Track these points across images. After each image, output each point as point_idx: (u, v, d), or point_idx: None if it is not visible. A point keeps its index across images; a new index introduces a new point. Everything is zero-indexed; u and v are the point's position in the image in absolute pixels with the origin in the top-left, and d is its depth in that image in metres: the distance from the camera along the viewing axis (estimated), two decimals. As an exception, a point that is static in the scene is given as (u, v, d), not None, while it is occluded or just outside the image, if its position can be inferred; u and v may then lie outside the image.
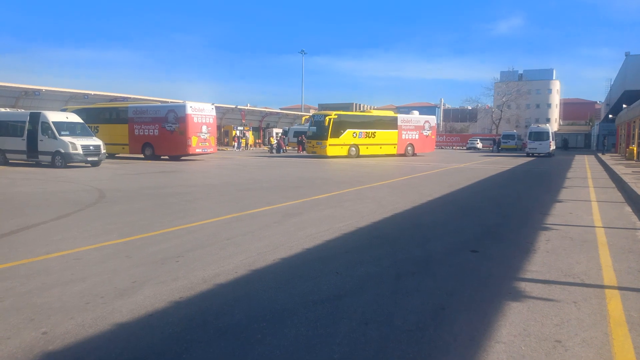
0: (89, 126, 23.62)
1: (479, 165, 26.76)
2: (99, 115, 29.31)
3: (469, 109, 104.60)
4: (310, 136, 33.11)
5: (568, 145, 67.21)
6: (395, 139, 35.50)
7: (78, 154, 20.37)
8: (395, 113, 39.37)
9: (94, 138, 21.98)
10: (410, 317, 4.02)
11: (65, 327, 3.73)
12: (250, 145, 52.16)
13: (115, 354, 3.33)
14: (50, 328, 3.70)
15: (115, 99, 36.89)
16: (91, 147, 20.90)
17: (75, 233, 7.25)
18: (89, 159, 20.87)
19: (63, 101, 36.03)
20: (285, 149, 42.96)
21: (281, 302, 4.33)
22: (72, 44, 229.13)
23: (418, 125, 37.27)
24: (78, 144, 20.41)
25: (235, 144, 46.11)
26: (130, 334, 3.64)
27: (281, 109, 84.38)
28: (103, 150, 21.62)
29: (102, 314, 3.99)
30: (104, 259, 5.74)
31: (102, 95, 37.36)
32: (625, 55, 45.68)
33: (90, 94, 36.37)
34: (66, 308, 4.12)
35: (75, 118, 22.46)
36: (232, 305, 4.24)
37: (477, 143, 63.34)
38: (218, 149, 35.12)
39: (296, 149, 42.86)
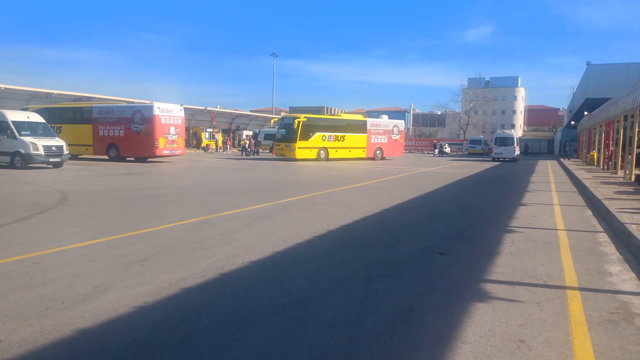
0: (51, 126, 22.89)
1: (447, 170, 27.25)
2: (62, 115, 28.41)
3: (438, 114, 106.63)
4: (279, 139, 32.92)
5: (529, 150, 69.09)
6: (365, 143, 35.73)
7: (39, 155, 19.72)
8: (364, 117, 39.63)
9: (57, 138, 21.31)
10: (379, 320, 4.03)
11: (23, 334, 3.57)
12: (220, 148, 51.63)
13: (76, 361, 3.21)
14: (6, 336, 3.54)
15: (79, 98, 35.81)
16: (53, 148, 20.26)
17: (35, 236, 6.99)
18: (51, 159, 20.22)
19: (24, 100, 34.75)
20: (257, 150, 42.66)
21: (250, 306, 4.27)
22: (35, 42, 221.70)
23: (387, 130, 37.62)
24: (39, 144, 19.76)
25: (228, 146, 46.60)
26: (93, 340, 3.52)
27: (252, 111, 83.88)
28: (66, 151, 20.98)
29: (63, 320, 3.84)
30: (66, 263, 5.55)
31: (66, 94, 36.22)
32: (587, 65, 47.50)
33: (54, 93, 35.22)
34: (24, 314, 3.95)
35: (36, 118, 21.72)
36: (200, 310, 4.16)
37: (446, 147, 64.42)
38: (186, 151, 34.60)
39: (268, 151, 42.72)
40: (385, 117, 39.65)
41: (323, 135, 33.03)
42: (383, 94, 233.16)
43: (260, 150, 43.61)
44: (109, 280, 4.88)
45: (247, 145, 41.68)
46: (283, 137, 32.42)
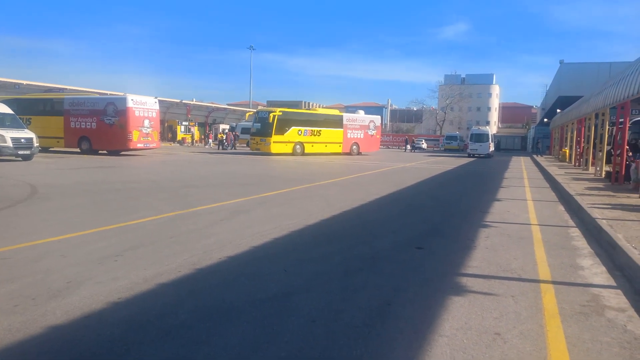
0: (20, 118, 22.22)
1: (423, 165, 27.53)
2: (31, 107, 27.60)
3: (415, 110, 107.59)
4: (255, 133, 32.57)
5: (500, 147, 70.61)
6: (341, 138, 35.74)
7: (7, 147, 19.12)
8: (340, 112, 39.63)
9: (26, 130, 20.72)
10: (357, 314, 4.03)
11: (-10, 331, 3.45)
12: (196, 141, 51.02)
13: (47, 358, 3.12)
14: (-27, 333, 3.41)
15: (50, 89, 34.85)
16: (22, 140, 19.68)
17: (3, 231, 6.76)
18: (20, 152, 19.66)
19: (-9, 90, 33.67)
20: (234, 144, 42.15)
21: (227, 301, 4.22)
22: (2, 30, 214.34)
23: (363, 125, 37.73)
24: (7, 136, 19.16)
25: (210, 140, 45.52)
26: (65, 337, 3.42)
27: (229, 105, 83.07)
28: (36, 144, 20.43)
29: (33, 317, 3.72)
30: (36, 258, 5.38)
31: (36, 85, 35.20)
32: (560, 63, 48.59)
33: (22, 83, 34.19)
34: (-8, 311, 3.82)
35: (4, 109, 21.03)
36: (176, 305, 4.09)
37: (422, 143, 65.15)
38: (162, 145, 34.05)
39: (245, 145, 42.24)
40: (361, 112, 39.76)
41: (299, 130, 32.87)
42: (361, 90, 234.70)
43: (237, 144, 43.14)
44: (81, 276, 4.76)
45: (224, 139, 41.24)
46: (258, 131, 32.10)
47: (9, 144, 19.14)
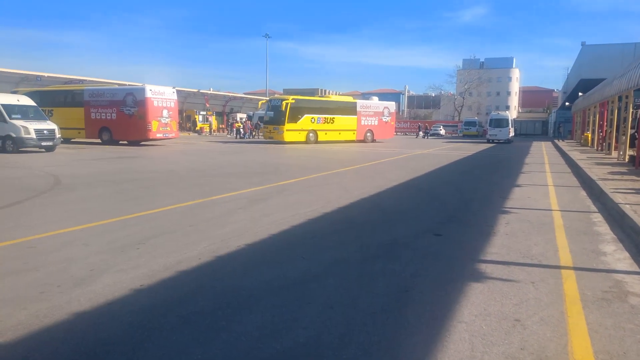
0: (42, 109, 22.62)
1: (441, 152, 27.25)
2: (53, 98, 28.08)
3: (433, 96, 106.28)
4: (267, 121, 32.22)
5: (520, 132, 69.47)
6: (355, 125, 35.22)
7: (31, 139, 19.52)
8: (354, 99, 39.06)
9: (48, 122, 21.09)
10: (375, 300, 4.04)
11: (18, 318, 3.55)
12: (214, 131, 51.35)
13: (72, 344, 3.20)
14: (1, 320, 3.52)
15: (70, 81, 35.37)
16: (45, 132, 20.06)
17: (28, 220, 6.93)
18: (43, 143, 20.04)
19: (13, 83, 34.24)
20: (253, 134, 42.19)
21: (247, 288, 4.27)
22: (24, 24, 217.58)
23: (377, 112, 37.13)
24: (31, 128, 19.55)
25: (234, 129, 44.48)
26: (89, 323, 3.51)
27: (245, 93, 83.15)
28: (58, 135, 20.79)
29: (59, 304, 3.83)
30: (60, 247, 5.51)
31: (56, 77, 35.73)
32: (582, 45, 47.43)
33: (44, 75, 34.74)
34: (19, 298, 3.93)
35: (27, 101, 21.45)
36: (196, 293, 4.15)
37: (440, 129, 64.40)
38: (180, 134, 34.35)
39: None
40: (375, 98, 39.11)
41: (312, 118, 32.43)
42: (377, 76, 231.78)
43: (256, 133, 42.93)
44: (104, 264, 4.86)
45: (241, 128, 41.31)
46: (271, 119, 31.68)
47: (33, 135, 19.54)
